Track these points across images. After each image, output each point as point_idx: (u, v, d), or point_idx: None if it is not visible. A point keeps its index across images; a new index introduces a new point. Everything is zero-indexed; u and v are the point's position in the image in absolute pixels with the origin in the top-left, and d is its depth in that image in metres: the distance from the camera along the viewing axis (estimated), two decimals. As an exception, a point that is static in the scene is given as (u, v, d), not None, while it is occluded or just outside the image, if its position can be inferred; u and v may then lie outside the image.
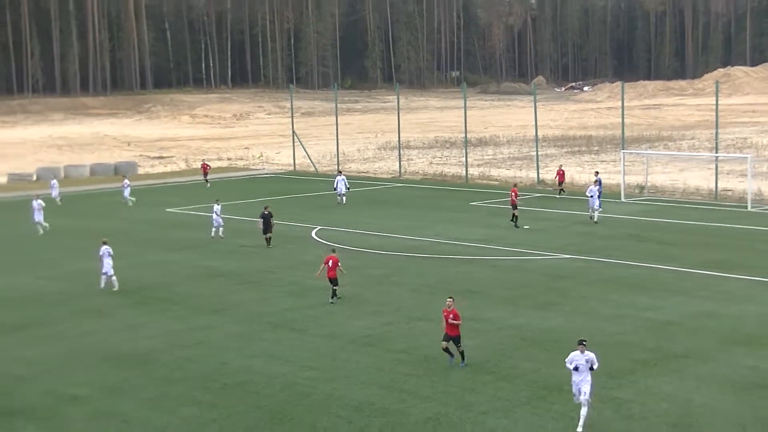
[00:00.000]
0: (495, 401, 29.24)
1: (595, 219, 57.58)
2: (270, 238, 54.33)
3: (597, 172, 69.14)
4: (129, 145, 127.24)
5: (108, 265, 44.60)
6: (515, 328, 36.83)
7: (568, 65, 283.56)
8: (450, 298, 32.30)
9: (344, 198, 70.88)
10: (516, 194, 59.60)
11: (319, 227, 60.01)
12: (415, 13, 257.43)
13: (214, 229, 57.76)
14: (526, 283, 44.38)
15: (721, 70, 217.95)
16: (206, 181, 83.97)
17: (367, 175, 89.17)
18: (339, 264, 41.00)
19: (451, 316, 31.69)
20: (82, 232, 60.90)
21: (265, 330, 37.75)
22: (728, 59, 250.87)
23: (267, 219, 54.09)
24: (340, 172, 76.53)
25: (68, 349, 35.92)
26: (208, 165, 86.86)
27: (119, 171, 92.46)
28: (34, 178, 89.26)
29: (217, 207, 58.31)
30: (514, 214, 58.87)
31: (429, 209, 67.56)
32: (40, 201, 61.20)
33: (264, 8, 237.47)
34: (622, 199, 68.31)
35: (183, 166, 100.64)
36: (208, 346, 35.78)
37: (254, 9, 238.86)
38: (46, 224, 60.62)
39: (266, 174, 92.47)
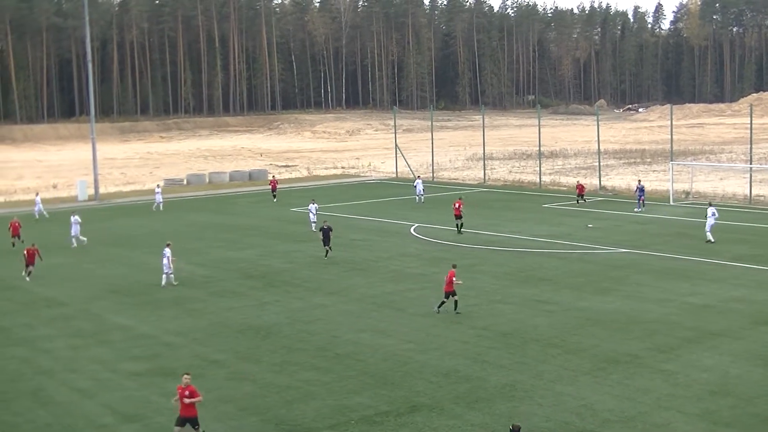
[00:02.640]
0: (562, 371, 28.91)
1: (708, 238, 50.91)
2: (328, 250, 48.66)
3: (639, 180, 69.55)
4: (261, 155, 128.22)
5: (166, 265, 42.78)
6: (580, 310, 36.40)
7: (626, 90, 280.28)
8: (186, 374, 24.19)
9: (422, 197, 70.98)
10: (460, 206, 56.15)
11: (417, 224, 59.88)
12: (498, 48, 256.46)
13: (313, 224, 57.81)
14: (588, 272, 43.84)
15: (754, 95, 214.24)
16: (273, 196, 75.45)
17: (457, 181, 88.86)
18: (454, 278, 36.28)
19: (186, 393, 23.70)
20: (225, 227, 61.54)
21: (371, 309, 37.73)
22: (760, 86, 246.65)
23: (326, 233, 48.56)
24: (419, 176, 76.90)
25: (210, 322, 36.27)
26: (276, 181, 78.80)
27: (253, 177, 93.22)
28: (185, 182, 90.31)
29: (312, 206, 58.67)
30: (461, 224, 55.53)
31: (508, 210, 67.11)
32: (77, 217, 55.67)
33: (373, 43, 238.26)
34: (671, 203, 67.27)
35: (305, 173, 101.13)
36: (323, 321, 35.85)
37: (365, 44, 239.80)
38: (83, 238, 55.10)
39: (373, 180, 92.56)
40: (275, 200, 74.51)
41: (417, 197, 71.30)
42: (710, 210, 51.76)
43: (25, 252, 45.99)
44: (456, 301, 36.40)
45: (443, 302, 36.55)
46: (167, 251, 42.75)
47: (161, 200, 71.79)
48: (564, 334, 33.08)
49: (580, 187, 69.55)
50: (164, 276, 42.84)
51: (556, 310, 36.54)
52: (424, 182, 75.43)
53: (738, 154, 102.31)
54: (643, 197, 64.80)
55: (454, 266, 37.33)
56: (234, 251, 52.04)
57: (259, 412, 25.90)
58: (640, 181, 68.74)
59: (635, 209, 64.10)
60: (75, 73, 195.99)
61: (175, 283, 42.75)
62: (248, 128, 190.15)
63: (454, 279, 36.30)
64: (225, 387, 28.16)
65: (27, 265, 45.55)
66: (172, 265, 42.77)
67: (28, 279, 45.14)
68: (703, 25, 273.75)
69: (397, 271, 45.13)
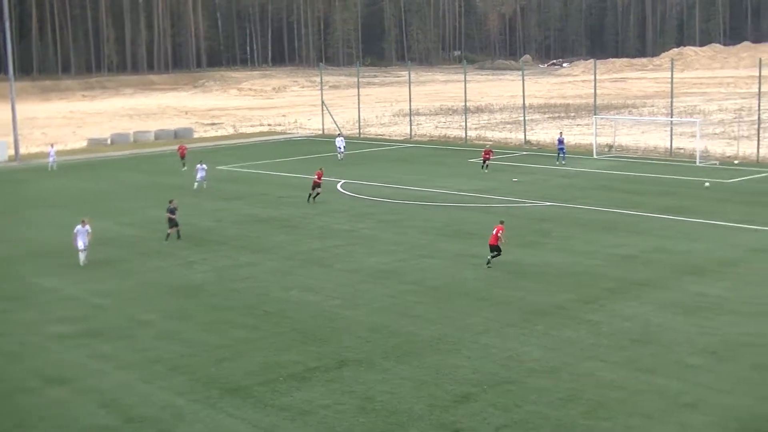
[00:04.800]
0: (489, 323, 29.26)
1: None
2: (170, 233, 43.20)
3: (561, 132, 70.38)
4: (187, 114, 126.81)
5: (82, 242, 38.56)
6: (506, 263, 36.75)
7: (551, 45, 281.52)
8: None
9: (343, 155, 70.88)
10: (320, 176, 52.92)
11: (344, 181, 59.88)
12: (424, 3, 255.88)
13: (197, 183, 58.30)
14: (515, 225, 44.08)
15: (675, 49, 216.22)
16: (183, 164, 68.42)
17: (383, 137, 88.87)
18: (500, 234, 36.20)
19: None
20: (153, 186, 60.95)
21: (299, 266, 37.75)
22: (681, 41, 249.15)
23: (172, 212, 43.14)
24: (340, 133, 76.84)
25: (138, 282, 36.02)
26: (185, 147, 71.51)
27: (178, 135, 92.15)
28: (109, 142, 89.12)
29: (199, 166, 58.84)
30: (316, 193, 52.10)
31: (434, 165, 67.36)
32: None
33: (299, 0, 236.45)
34: (594, 156, 68.10)
35: (231, 131, 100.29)
36: (251, 279, 35.81)
37: (291, 1, 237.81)
38: None
39: (300, 137, 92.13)
40: (184, 168, 67.43)
41: (338, 154, 71.16)
42: None
43: None
44: (496, 255, 36.25)
45: (492, 257, 36.39)
46: (82, 228, 38.77)
47: (54, 160, 70.87)
48: (491, 288, 33.45)
49: (486, 153, 64.32)
50: (81, 254, 38.96)
51: (484, 264, 36.85)
52: (346, 139, 75.40)
53: (659, 108, 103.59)
54: (563, 149, 65.86)
55: (502, 222, 37.11)
56: (161, 211, 51.36)
57: (189, 372, 25.84)
58: (561, 133, 69.45)
59: (557, 162, 65.01)
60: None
61: (82, 264, 38.82)
62: (173, 86, 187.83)
63: (500, 234, 36.13)
64: (154, 347, 28.03)
65: None
66: (87, 242, 38.88)
67: None
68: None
69: (324, 228, 45.17)
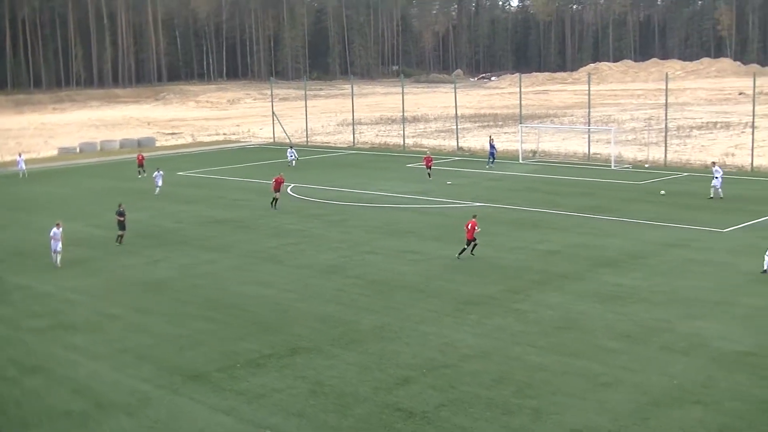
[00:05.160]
0: (427, 313, 29.46)
1: (711, 194, 49.59)
2: (121, 236, 42.14)
3: (491, 137, 70.96)
4: (149, 124, 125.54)
5: (56, 244, 37.58)
6: (442, 258, 37.02)
7: (480, 61, 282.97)
8: None
9: (294, 162, 70.59)
10: (278, 181, 51.43)
11: (293, 185, 59.77)
12: (365, 23, 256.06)
13: (157, 188, 57.44)
14: (448, 224, 44.51)
15: (591, 64, 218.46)
16: (140, 171, 66.87)
17: (329, 144, 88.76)
18: (476, 228, 36.41)
19: None
20: (118, 190, 60.32)
21: (255, 263, 37.69)
22: (597, 57, 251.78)
23: (121, 214, 42.33)
24: (291, 145, 76.57)
25: (107, 279, 35.72)
26: (143, 156, 69.34)
27: (141, 144, 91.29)
28: (78, 150, 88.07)
29: (156, 173, 58.13)
30: (275, 198, 50.98)
31: (376, 170, 67.46)
32: None
33: (251, 20, 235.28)
34: (520, 161, 68.63)
35: (190, 140, 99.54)
36: (211, 276, 35.68)
37: (243, 20, 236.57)
38: None
39: (253, 145, 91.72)
40: (142, 175, 65.85)
41: (289, 162, 70.77)
42: (716, 170, 49.90)
43: None
44: (475, 245, 36.65)
45: (464, 249, 36.81)
46: (57, 230, 37.75)
47: (24, 168, 69.35)
48: (428, 281, 33.65)
49: (428, 159, 62.23)
50: (55, 255, 37.94)
51: (421, 259, 37.10)
52: (296, 147, 75.34)
53: (578, 117, 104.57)
54: (493, 153, 66.66)
55: (475, 216, 37.62)
56: (128, 213, 51.03)
57: (155, 360, 25.74)
58: (491, 138, 70.08)
59: (486, 166, 65.62)
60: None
61: (59, 266, 37.87)
62: (136, 99, 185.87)
63: (476, 228, 36.44)
64: (123, 338, 27.87)
65: None
66: (60, 244, 37.84)
67: None
68: (547, 3, 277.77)
69: (277, 228, 45.10)
